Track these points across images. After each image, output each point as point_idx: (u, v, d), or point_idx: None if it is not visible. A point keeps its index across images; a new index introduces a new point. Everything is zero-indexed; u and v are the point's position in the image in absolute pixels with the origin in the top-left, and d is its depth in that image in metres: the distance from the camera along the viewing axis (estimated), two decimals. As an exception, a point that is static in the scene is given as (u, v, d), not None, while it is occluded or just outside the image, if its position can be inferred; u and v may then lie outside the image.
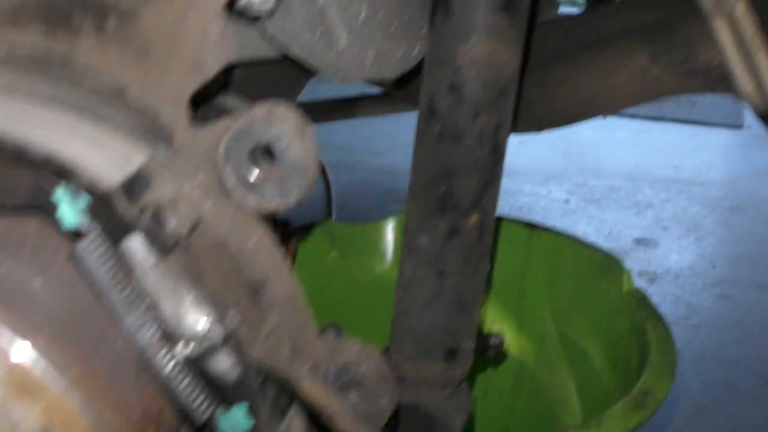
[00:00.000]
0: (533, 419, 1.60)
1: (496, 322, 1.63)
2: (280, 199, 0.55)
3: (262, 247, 0.54)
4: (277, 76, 0.97)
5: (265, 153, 0.56)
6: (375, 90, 1.69)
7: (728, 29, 0.96)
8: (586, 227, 3.02)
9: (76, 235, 0.50)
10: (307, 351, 0.58)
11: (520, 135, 1.40)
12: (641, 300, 1.34)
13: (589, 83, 1.22)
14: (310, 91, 1.31)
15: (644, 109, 4.18)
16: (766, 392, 2.15)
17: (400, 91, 1.35)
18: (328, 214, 2.92)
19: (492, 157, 0.85)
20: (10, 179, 0.49)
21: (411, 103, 1.44)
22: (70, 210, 0.49)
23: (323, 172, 3.18)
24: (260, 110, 0.54)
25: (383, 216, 1.61)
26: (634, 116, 4.12)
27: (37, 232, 0.53)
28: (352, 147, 3.66)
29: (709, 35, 1.01)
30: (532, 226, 1.55)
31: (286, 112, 0.54)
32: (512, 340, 1.60)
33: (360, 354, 0.63)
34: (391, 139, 3.74)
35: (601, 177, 3.50)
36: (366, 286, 1.60)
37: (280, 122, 0.53)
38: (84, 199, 0.49)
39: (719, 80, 1.09)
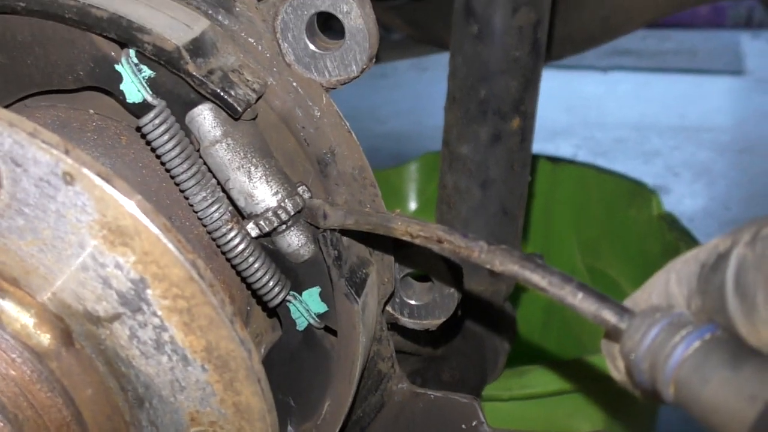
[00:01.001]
0: (564, 353, 1.59)
1: (521, 261, 1.61)
2: (342, 72, 0.53)
3: (328, 118, 0.52)
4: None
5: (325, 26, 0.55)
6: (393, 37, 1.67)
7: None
8: (597, 178, 3.00)
9: (141, 107, 0.48)
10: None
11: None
12: (672, 222, 1.32)
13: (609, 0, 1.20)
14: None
15: (645, 60, 4.15)
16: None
17: (421, 32, 1.32)
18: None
19: (532, 56, 0.83)
20: (72, 48, 0.47)
21: (432, 43, 1.41)
22: (133, 82, 0.47)
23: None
24: (317, -24, 0.52)
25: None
26: (636, 69, 4.09)
27: (97, 117, 0.51)
28: (355, 115, 3.62)
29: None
30: (554, 160, 1.53)
31: (344, -23, 0.52)
32: (540, 278, 1.59)
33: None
34: (395, 107, 3.71)
35: (607, 130, 3.48)
36: (390, 232, 1.59)
37: (338, -13, 0.51)
38: (147, 71, 0.47)
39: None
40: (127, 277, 0.39)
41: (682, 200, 2.85)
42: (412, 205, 1.60)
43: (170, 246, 0.38)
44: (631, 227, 1.40)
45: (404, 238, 0.46)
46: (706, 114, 3.61)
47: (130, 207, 0.37)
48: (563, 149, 3.33)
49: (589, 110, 3.71)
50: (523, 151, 0.87)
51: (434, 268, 0.60)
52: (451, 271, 0.61)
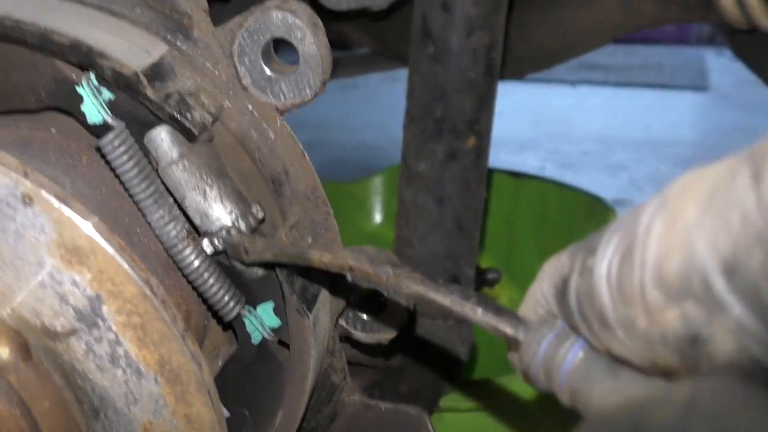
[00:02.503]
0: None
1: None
2: (296, 96, 0.56)
3: (282, 140, 0.54)
4: None
5: (278, 50, 0.57)
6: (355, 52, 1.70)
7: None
8: (563, 190, 3.05)
9: (101, 129, 0.49)
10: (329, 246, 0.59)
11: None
12: (629, 237, 1.36)
13: (568, 19, 1.23)
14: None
15: (612, 75, 4.22)
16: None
17: (383, 45, 1.35)
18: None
19: (486, 77, 0.86)
20: (34, 70, 0.49)
21: (390, 55, 1.44)
22: (93, 104, 0.49)
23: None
24: (272, 3, 0.54)
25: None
26: (603, 83, 4.16)
27: (59, 137, 0.53)
28: (326, 125, 3.65)
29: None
30: (517, 175, 1.57)
31: (298, 4, 0.54)
32: (503, 290, 1.62)
33: (377, 256, 0.63)
34: (365, 117, 3.74)
35: (574, 142, 3.54)
36: (356, 245, 1.61)
37: (292, 14, 0.54)
38: (107, 93, 0.49)
39: (696, 6, 1.11)
40: (84, 294, 0.41)
41: (646, 213, 2.90)
42: (378, 218, 1.63)
43: (124, 265, 0.40)
44: (589, 241, 1.43)
45: (320, 267, 0.48)
46: (670, 128, 3.68)
47: (86, 228, 0.39)
48: (530, 162, 3.38)
49: (556, 123, 3.77)
50: (479, 168, 0.90)
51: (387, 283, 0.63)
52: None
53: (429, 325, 0.97)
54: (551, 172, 3.27)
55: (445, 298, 0.42)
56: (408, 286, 0.44)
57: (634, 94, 4.13)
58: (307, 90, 0.56)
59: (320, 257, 0.48)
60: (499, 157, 3.34)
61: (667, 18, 1.15)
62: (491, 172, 1.59)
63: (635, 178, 3.20)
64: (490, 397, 1.02)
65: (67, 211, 0.38)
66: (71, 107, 0.50)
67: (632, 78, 4.17)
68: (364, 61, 1.71)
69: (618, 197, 3.01)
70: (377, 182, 1.60)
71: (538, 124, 3.74)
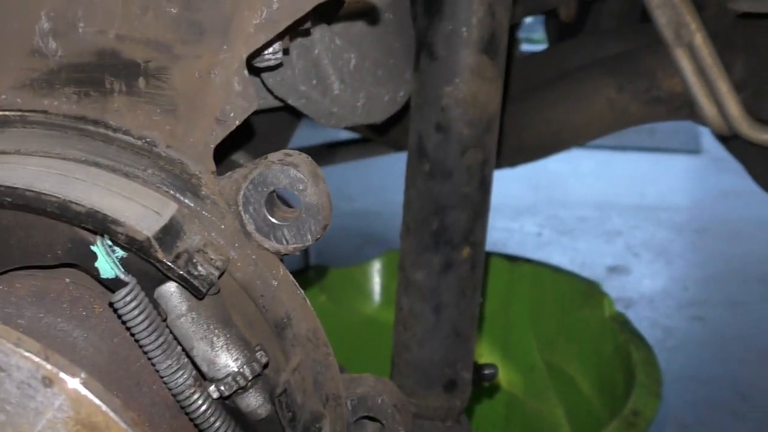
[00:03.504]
0: (526, 448, 1.62)
1: (483, 356, 1.66)
2: (298, 241, 0.58)
3: (284, 286, 0.57)
4: (268, 126, 1.01)
5: (281, 199, 0.60)
6: (349, 135, 1.74)
7: (688, 58, 1.03)
8: (560, 258, 3.08)
9: (114, 283, 0.52)
10: (329, 385, 0.61)
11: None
12: (623, 323, 1.38)
13: (561, 116, 1.28)
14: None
15: (607, 139, 4.26)
16: (745, 408, 2.20)
17: (379, 135, 1.39)
18: (305, 261, 2.94)
19: (480, 191, 0.89)
20: (52, 231, 0.51)
21: (389, 146, 1.48)
22: (107, 261, 0.52)
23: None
24: (275, 156, 0.57)
25: (362, 259, 1.65)
26: (597, 147, 4.21)
27: (72, 286, 0.55)
28: (323, 193, 3.68)
29: (669, 64, 1.08)
30: (512, 259, 1.59)
31: (300, 157, 0.58)
32: (501, 373, 1.63)
33: (376, 385, 0.66)
34: (364, 184, 3.79)
35: (571, 208, 3.58)
36: (355, 328, 1.63)
37: (294, 168, 0.57)
38: (120, 252, 0.52)
39: (682, 107, 1.15)
40: (99, 467, 0.43)
41: (642, 281, 2.93)
42: (377, 301, 1.65)
43: (137, 439, 0.42)
44: (585, 326, 1.45)
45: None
46: (664, 193, 3.73)
47: (102, 406, 0.42)
48: (528, 227, 3.41)
49: (553, 188, 3.81)
50: (474, 277, 0.93)
51: (385, 413, 0.65)
52: (401, 415, 0.65)
53: (427, 426, 0.99)
54: (549, 237, 3.31)
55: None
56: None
57: (628, 158, 4.19)
58: (308, 236, 0.58)
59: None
60: (497, 224, 3.38)
61: (655, 117, 1.19)
62: (487, 255, 1.62)
63: (631, 243, 3.23)
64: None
65: (84, 392, 0.41)
66: (85, 264, 0.53)
67: (626, 141, 4.23)
68: (364, 147, 1.75)
69: (615, 264, 3.04)
70: (376, 266, 1.63)
71: (535, 189, 3.79)
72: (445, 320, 0.93)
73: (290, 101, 0.80)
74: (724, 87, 0.99)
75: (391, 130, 1.34)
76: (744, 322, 2.61)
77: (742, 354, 2.44)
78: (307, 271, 1.54)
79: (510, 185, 3.72)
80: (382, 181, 3.63)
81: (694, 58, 1.02)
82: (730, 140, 1.16)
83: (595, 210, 3.53)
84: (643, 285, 2.87)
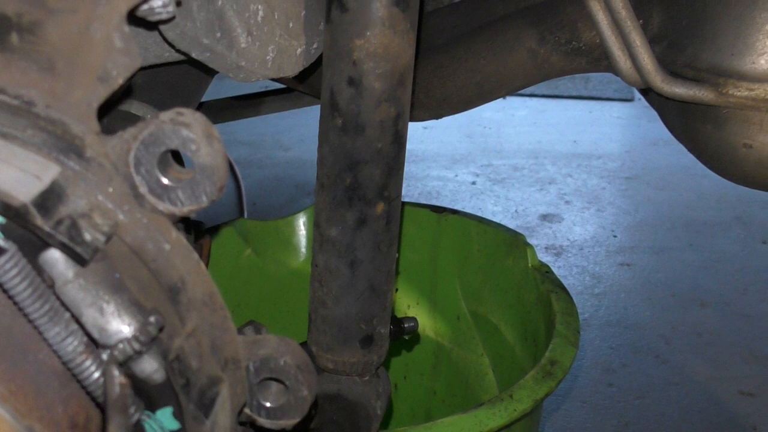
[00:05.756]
0: (453, 397, 1.65)
1: (411, 307, 1.67)
2: (192, 203, 0.57)
3: (177, 251, 0.56)
4: (179, 78, 0.98)
5: (174, 159, 0.58)
6: (278, 85, 1.71)
7: (603, 10, 1.02)
8: (494, 207, 3.11)
9: (-9, 252, 0.50)
10: (227, 349, 0.60)
11: (426, 121, 1.43)
12: (545, 273, 1.40)
13: (483, 67, 1.27)
14: (214, 90, 1.32)
15: (541, 87, 4.30)
16: (667, 350, 2.27)
17: (302, 84, 1.37)
18: (240, 211, 2.91)
19: (394, 146, 0.88)
20: None
21: (313, 94, 1.46)
22: (-18, 228, 0.50)
23: (232, 169, 3.17)
24: (166, 116, 0.55)
25: (296, 210, 1.63)
26: (532, 95, 4.24)
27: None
28: (259, 143, 3.65)
29: (589, 16, 1.07)
30: (439, 210, 1.60)
31: (193, 116, 0.56)
32: (428, 322, 1.65)
33: (278, 347, 0.65)
34: (298, 133, 3.75)
35: (505, 157, 3.60)
36: (282, 282, 1.62)
37: (186, 127, 0.55)
38: (-3, 218, 0.50)
39: (602, 59, 1.15)
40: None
41: (573, 228, 2.98)
42: (303, 254, 1.64)
43: (6, 415, 0.41)
44: (509, 277, 1.47)
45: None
46: (597, 141, 3.78)
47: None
48: (462, 176, 3.43)
49: (488, 137, 3.83)
50: (389, 232, 0.92)
51: (288, 374, 0.65)
52: (303, 375, 0.65)
53: (344, 381, 0.99)
54: (483, 186, 3.33)
55: None
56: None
57: (563, 106, 4.23)
58: (204, 197, 0.57)
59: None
60: (431, 173, 3.39)
61: (576, 69, 1.19)
62: (413, 207, 1.62)
63: (564, 191, 3.28)
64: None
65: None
66: (-38, 230, 0.51)
67: (560, 90, 4.26)
68: (290, 97, 1.72)
69: (547, 212, 3.09)
70: (302, 219, 1.61)
71: (470, 138, 3.80)
72: (361, 276, 0.92)
73: (194, 55, 0.78)
74: (638, 40, 0.99)
75: (310, 78, 1.32)
76: (669, 268, 2.68)
77: (667, 299, 2.51)
78: (229, 225, 1.52)
79: (445, 134, 3.72)
80: (315, 130, 3.60)
81: (609, 10, 1.02)
82: (648, 91, 1.16)
83: (529, 158, 3.56)
84: (574, 232, 2.92)
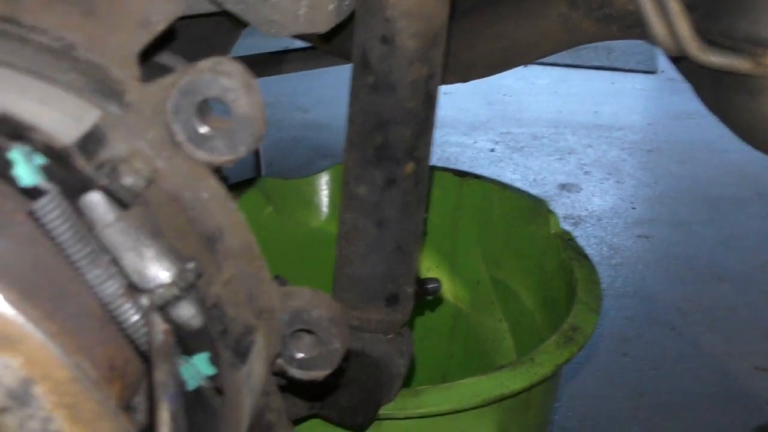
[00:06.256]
0: (469, 361, 1.66)
1: (431, 270, 1.68)
2: (230, 152, 0.57)
3: (215, 199, 0.56)
4: (209, 30, 0.97)
5: (213, 108, 0.58)
6: (300, 44, 1.70)
7: (641, -25, 1.01)
8: (512, 175, 3.10)
9: (34, 192, 0.50)
10: (262, 298, 0.61)
11: (446, 86, 1.42)
12: (567, 241, 1.40)
13: (512, 31, 1.25)
14: (234, 48, 1.32)
15: (563, 56, 4.26)
16: (683, 323, 2.27)
17: (327, 44, 1.36)
18: (257, 171, 2.92)
19: (425, 107, 0.88)
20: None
21: (338, 55, 1.45)
22: (26, 168, 0.50)
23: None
24: (206, 64, 0.55)
25: (313, 171, 1.63)
26: (554, 64, 4.20)
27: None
28: (277, 104, 3.64)
29: (623, -19, 1.06)
30: (461, 174, 1.59)
31: (232, 65, 0.56)
32: (447, 286, 1.65)
33: (312, 299, 0.66)
34: (317, 95, 3.73)
35: (525, 125, 3.58)
36: (302, 241, 1.63)
37: (226, 76, 0.55)
38: (39, 159, 0.50)
39: (634, 26, 1.14)
40: (15, 376, 0.42)
41: (592, 199, 2.96)
42: (324, 214, 1.65)
43: (55, 351, 0.41)
44: (530, 243, 1.47)
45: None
46: (619, 112, 3.74)
47: (16, 318, 0.40)
48: (481, 143, 3.41)
49: (508, 105, 3.81)
50: (417, 192, 0.92)
51: (320, 326, 0.65)
52: (336, 328, 0.66)
53: (369, 338, 1.00)
54: (502, 154, 3.32)
55: None
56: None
57: (585, 76, 4.18)
58: (242, 147, 0.57)
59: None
60: (450, 139, 3.38)
61: (607, 35, 1.18)
62: (436, 170, 1.62)
63: (583, 162, 3.26)
64: (427, 405, 1.05)
65: (-3, 302, 0.40)
66: (1, 171, 0.51)
67: (583, 60, 4.22)
68: (314, 56, 1.72)
69: (566, 182, 3.07)
70: (324, 178, 1.61)
71: (490, 105, 3.78)
72: (388, 235, 0.92)
73: (228, 6, 0.77)
74: (675, 6, 0.98)
75: (336, 38, 1.31)
76: (688, 242, 2.67)
77: (684, 272, 2.51)
78: (253, 182, 1.52)
79: (465, 101, 3.70)
80: (334, 92, 3.57)
81: (647, -25, 1.00)
82: (681, 61, 1.15)
83: (549, 127, 3.54)
84: (593, 203, 2.91)
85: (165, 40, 0.68)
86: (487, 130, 3.50)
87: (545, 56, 1.28)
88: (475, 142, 3.37)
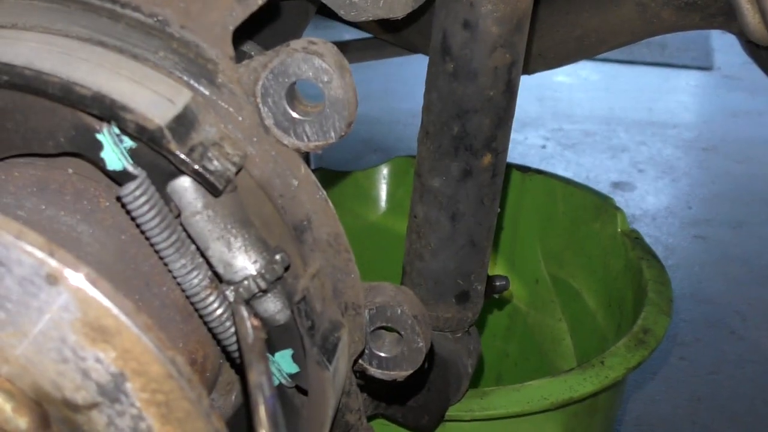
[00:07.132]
0: (525, 361, 1.62)
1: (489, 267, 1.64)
2: (319, 138, 0.54)
3: (305, 187, 0.53)
4: (282, 14, 0.95)
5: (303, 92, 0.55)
6: (358, 35, 1.66)
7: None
8: (564, 172, 3.04)
9: (122, 176, 0.48)
10: (348, 293, 0.58)
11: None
12: (635, 239, 1.35)
13: (585, 21, 1.21)
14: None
15: (615, 52, 4.17)
16: (743, 327, 2.20)
17: (393, 34, 1.33)
18: (307, 163, 2.90)
19: (506, 96, 0.84)
20: (54, 116, 0.47)
21: (402, 45, 1.41)
22: (114, 151, 0.47)
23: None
24: (298, 44, 0.52)
25: (363, 165, 1.60)
26: (605, 60, 4.11)
27: (75, 178, 0.51)
28: (325, 96, 3.62)
29: (707, -31, 1.01)
30: (524, 169, 1.55)
31: (325, 46, 0.53)
32: (505, 285, 1.61)
33: (395, 295, 0.63)
34: (367, 88, 3.70)
35: (576, 122, 3.51)
36: (358, 234, 1.60)
37: (319, 57, 0.52)
38: (128, 141, 0.48)
39: (718, 14, 1.09)
40: (107, 371, 0.40)
41: (646, 197, 2.89)
42: (382, 208, 1.62)
43: (150, 345, 0.39)
44: (595, 241, 1.42)
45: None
46: (673, 109, 3.66)
47: (112, 309, 0.38)
48: (532, 140, 3.36)
49: (559, 101, 3.74)
50: (494, 186, 0.88)
51: (404, 324, 0.62)
52: (420, 327, 0.62)
53: (437, 337, 0.96)
54: (553, 151, 3.26)
55: None
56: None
57: (637, 72, 4.09)
58: (332, 132, 0.54)
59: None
60: (500, 135, 3.33)
61: (687, 25, 1.13)
62: (498, 165, 1.58)
63: (637, 159, 3.19)
64: (494, 407, 1.02)
65: (92, 292, 0.37)
66: (91, 153, 0.48)
67: (635, 55, 4.13)
68: (374, 46, 1.68)
69: (619, 180, 3.01)
70: (383, 172, 1.58)
71: (540, 101, 3.71)
72: (462, 230, 0.89)
73: (309, -12, 0.74)
74: (769, -7, 0.93)
75: (405, 29, 1.28)
76: (746, 243, 2.59)
77: (743, 274, 2.43)
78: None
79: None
80: (385, 86, 3.54)
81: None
82: (762, 53, 1.10)
83: (601, 124, 3.46)
84: (647, 202, 2.84)
85: (265, 20, 0.65)
86: (538, 126, 3.44)
87: (620, 47, 1.23)
88: (525, 139, 3.31)
